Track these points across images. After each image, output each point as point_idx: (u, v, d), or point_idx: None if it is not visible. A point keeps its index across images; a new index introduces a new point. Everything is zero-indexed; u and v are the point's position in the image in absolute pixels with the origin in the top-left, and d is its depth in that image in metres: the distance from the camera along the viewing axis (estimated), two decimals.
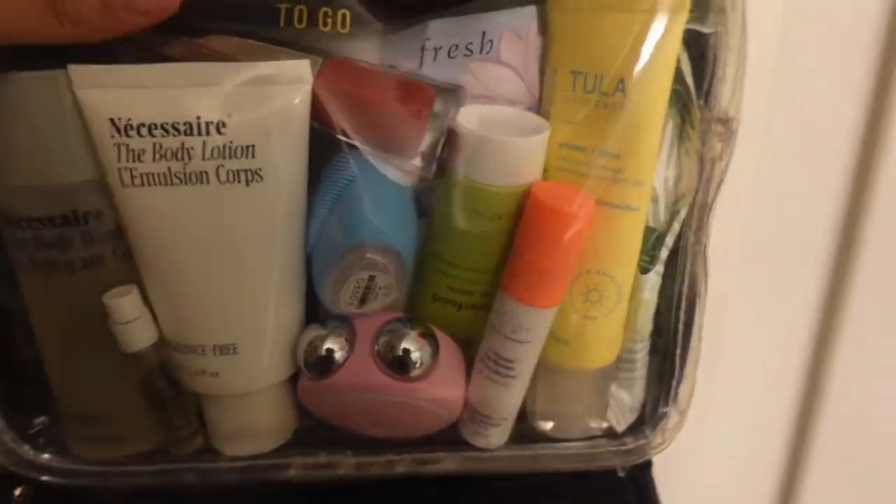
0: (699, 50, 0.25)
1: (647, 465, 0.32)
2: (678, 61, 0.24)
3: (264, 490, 0.30)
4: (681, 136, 0.26)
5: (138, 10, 0.23)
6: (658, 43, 0.24)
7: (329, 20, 0.26)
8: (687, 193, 0.27)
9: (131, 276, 0.27)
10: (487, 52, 0.27)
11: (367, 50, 0.27)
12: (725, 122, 0.25)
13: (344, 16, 0.26)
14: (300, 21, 0.26)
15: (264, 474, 0.30)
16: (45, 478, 0.30)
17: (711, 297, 0.29)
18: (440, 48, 0.27)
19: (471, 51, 0.27)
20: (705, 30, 0.24)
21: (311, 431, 0.31)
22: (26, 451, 0.30)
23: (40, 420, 0.31)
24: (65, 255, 0.26)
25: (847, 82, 0.38)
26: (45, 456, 0.30)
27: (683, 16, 0.24)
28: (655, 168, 0.26)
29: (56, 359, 0.28)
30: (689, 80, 0.25)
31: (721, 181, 0.26)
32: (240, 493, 0.31)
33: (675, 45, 0.24)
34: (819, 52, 0.37)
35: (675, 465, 0.44)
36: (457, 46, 0.27)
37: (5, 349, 0.30)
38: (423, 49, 0.27)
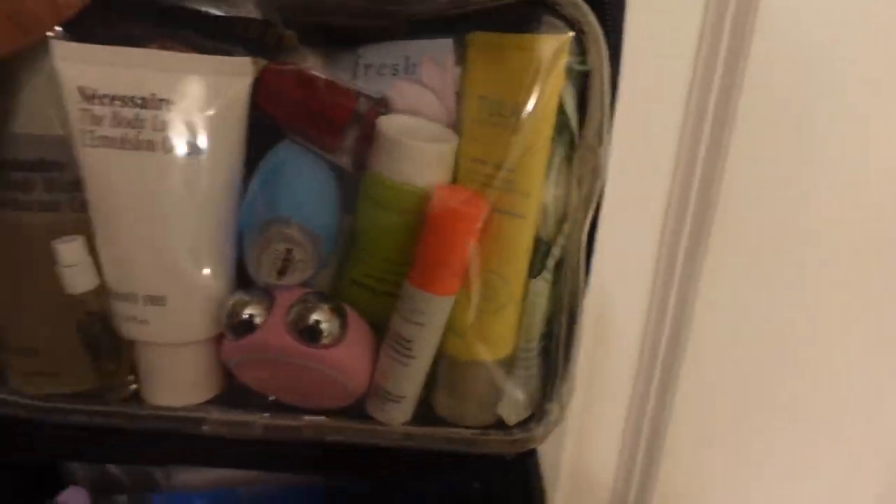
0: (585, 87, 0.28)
1: (532, 452, 0.33)
2: (561, 95, 0.27)
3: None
4: (568, 161, 0.29)
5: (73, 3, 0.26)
6: (544, 77, 0.27)
7: (275, 38, 0.29)
8: (570, 212, 0.29)
9: (84, 228, 0.30)
10: (411, 74, 0.30)
11: (314, 63, 0.31)
12: (593, 151, 0.27)
13: (290, 36, 0.29)
14: (253, 33, 0.29)
15: (181, 426, 0.32)
16: None
17: None
18: (370, 66, 0.30)
19: (396, 70, 0.30)
20: (583, 68, 0.27)
21: (232, 392, 0.33)
22: None
23: None
24: (27, 196, 0.29)
25: None
26: None
27: (564, 56, 0.27)
28: (543, 183, 0.28)
29: (5, 291, 0.31)
30: (572, 112, 0.28)
31: (594, 205, 0.28)
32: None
33: (558, 80, 0.27)
34: None
35: None
36: (384, 66, 0.30)
37: None
38: (356, 65, 0.31)
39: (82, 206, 0.30)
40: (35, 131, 0.29)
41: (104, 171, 0.29)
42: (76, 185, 0.29)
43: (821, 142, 0.44)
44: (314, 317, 0.30)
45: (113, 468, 0.41)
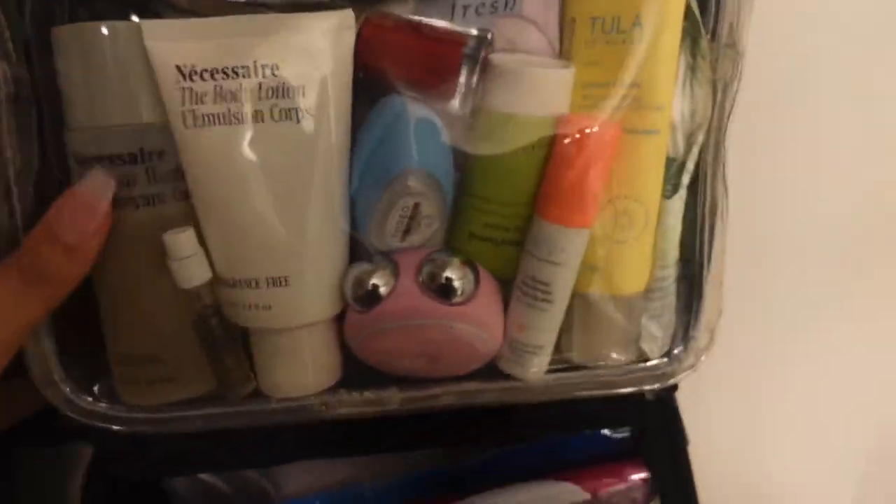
0: None
1: (673, 388, 0.32)
2: None
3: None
4: (692, 70, 0.28)
5: (86, 238, 0.26)
6: None
7: None
8: (703, 121, 0.28)
9: (188, 218, 0.28)
10: (511, 9, 0.29)
11: (405, 10, 0.29)
12: (732, 47, 0.26)
13: None
14: None
15: (315, 413, 0.30)
16: (99, 424, 0.30)
17: None
18: (468, 6, 0.29)
19: (496, 8, 0.29)
20: None
21: (355, 372, 0.31)
22: (84, 399, 0.30)
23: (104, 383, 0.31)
24: (129, 192, 0.27)
25: None
26: (102, 405, 0.30)
27: None
28: (674, 93, 0.27)
29: (113, 297, 0.29)
30: (697, 14, 0.27)
31: (733, 105, 0.27)
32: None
33: None
34: None
35: None
36: (483, 4, 0.29)
37: (68, 309, 0.30)
38: (453, 7, 0.29)
39: (185, 195, 0.28)
40: (131, 121, 0.27)
41: (212, 150, 0.27)
42: (178, 173, 0.28)
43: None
44: (447, 273, 0.28)
45: (220, 486, 0.38)
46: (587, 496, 0.34)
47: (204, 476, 0.38)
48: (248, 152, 0.27)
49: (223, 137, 0.26)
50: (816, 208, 0.45)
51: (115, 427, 0.30)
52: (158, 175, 0.27)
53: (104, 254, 0.28)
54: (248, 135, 0.26)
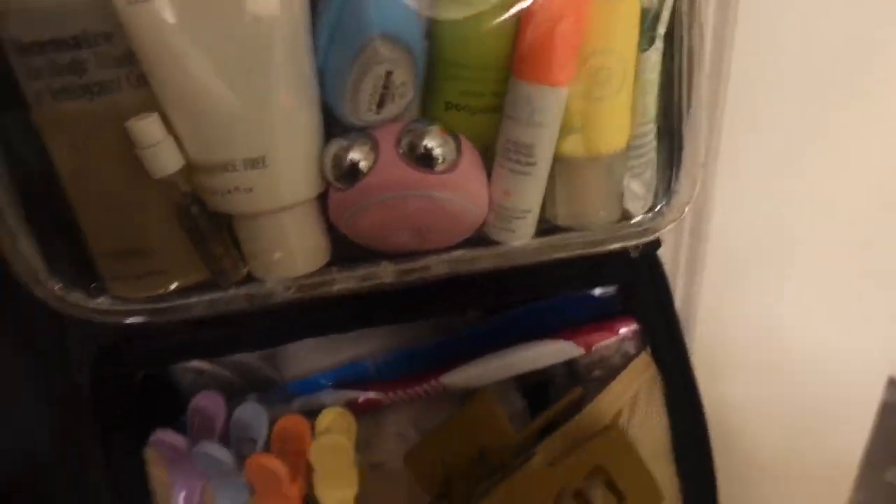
0: None
1: (657, 244, 0.32)
2: None
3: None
4: None
5: None
6: None
7: None
8: None
9: (149, 104, 0.26)
10: None
11: None
12: None
13: None
14: None
15: (311, 291, 0.30)
16: (97, 319, 0.30)
17: None
18: None
19: None
20: None
21: (345, 249, 0.31)
22: (75, 295, 0.30)
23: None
24: (81, 80, 0.25)
25: None
26: (98, 300, 0.30)
27: None
28: None
29: (84, 195, 0.27)
30: None
31: None
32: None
33: None
34: None
35: None
36: None
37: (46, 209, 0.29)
38: None
39: (142, 80, 0.26)
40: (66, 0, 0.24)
41: (155, 27, 0.24)
42: (131, 57, 0.25)
43: None
44: (427, 142, 0.27)
45: (226, 375, 0.39)
46: (581, 351, 0.35)
47: (209, 368, 0.39)
48: (203, 25, 0.24)
49: (174, 10, 0.24)
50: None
51: (111, 320, 0.30)
52: (109, 60, 0.25)
53: (65, 152, 0.27)
54: (202, 6, 0.24)
